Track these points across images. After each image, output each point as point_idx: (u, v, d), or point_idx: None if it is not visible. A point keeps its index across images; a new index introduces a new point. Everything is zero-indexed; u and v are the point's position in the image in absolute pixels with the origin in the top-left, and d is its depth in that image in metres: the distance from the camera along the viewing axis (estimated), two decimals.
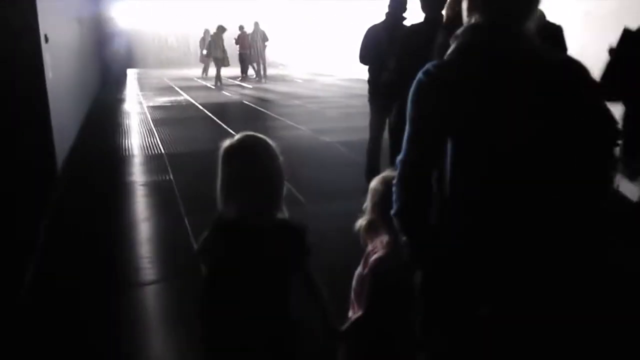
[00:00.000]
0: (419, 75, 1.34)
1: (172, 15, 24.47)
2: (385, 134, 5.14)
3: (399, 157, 1.38)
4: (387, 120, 5.11)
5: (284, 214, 1.72)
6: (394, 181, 1.39)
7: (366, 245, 1.97)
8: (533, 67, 1.28)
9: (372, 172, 5.20)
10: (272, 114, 9.77)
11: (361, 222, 1.96)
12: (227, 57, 16.00)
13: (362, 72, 16.54)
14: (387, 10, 4.91)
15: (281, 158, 1.71)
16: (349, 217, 2.04)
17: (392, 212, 1.39)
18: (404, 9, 4.86)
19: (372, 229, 1.93)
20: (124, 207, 4.73)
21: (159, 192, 5.14)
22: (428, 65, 1.34)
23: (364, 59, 5.12)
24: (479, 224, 1.33)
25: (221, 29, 16.07)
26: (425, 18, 3.67)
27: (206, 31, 18.90)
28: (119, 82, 17.21)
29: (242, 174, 1.61)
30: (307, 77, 18.83)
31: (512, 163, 1.28)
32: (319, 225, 4.23)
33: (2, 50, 4.95)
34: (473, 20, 1.34)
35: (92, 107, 10.58)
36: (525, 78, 1.26)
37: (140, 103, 11.74)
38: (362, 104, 11.39)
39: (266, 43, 17.33)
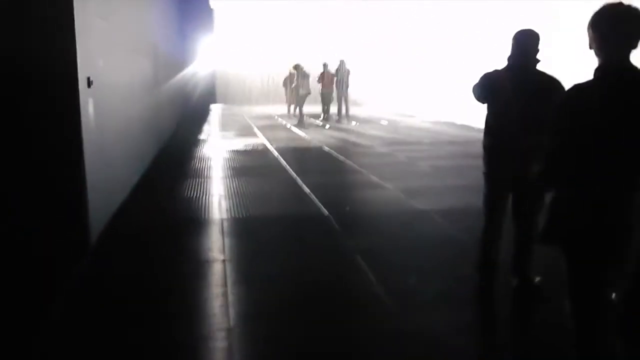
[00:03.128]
0: None
1: (255, 52, 24.31)
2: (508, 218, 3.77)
3: None
4: (511, 199, 3.74)
5: None
6: None
7: None
8: None
9: (487, 267, 3.85)
10: (354, 165, 8.57)
11: None
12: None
13: (451, 115, 15.31)
14: (509, 53, 3.63)
15: None
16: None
17: None
18: (536, 50, 3.55)
19: None
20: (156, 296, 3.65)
21: (204, 277, 4.03)
22: None
23: (481, 98, 3.80)
24: None
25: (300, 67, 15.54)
26: (602, 68, 2.20)
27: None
28: (202, 118, 16.87)
29: None
30: (392, 117, 17.61)
31: None
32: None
33: (28, 100, 4.14)
34: None
35: (163, 149, 9.92)
36: None
37: (215, 146, 11.00)
38: (454, 154, 10.12)
39: (349, 81, 16.41)
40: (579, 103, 2.11)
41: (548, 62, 3.71)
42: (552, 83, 3.46)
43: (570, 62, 9.52)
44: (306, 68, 15.99)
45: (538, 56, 3.57)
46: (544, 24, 9.14)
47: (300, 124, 14.87)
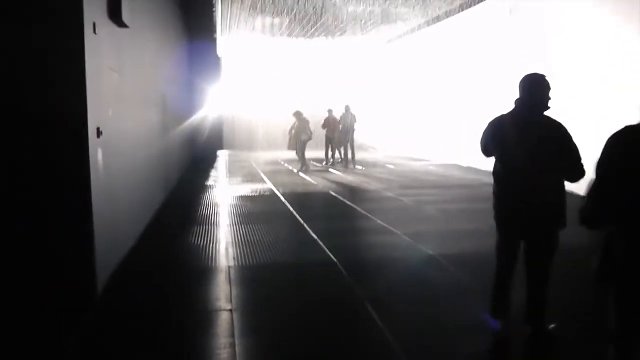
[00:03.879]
0: None
1: (261, 99, 24.71)
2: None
3: None
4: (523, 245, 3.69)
5: None
6: None
7: None
8: None
9: (500, 315, 3.76)
10: (362, 211, 8.54)
11: None
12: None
13: (456, 157, 15.33)
14: (518, 97, 3.62)
15: None
16: None
17: None
18: (547, 98, 3.54)
19: None
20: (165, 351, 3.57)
21: (211, 327, 3.95)
22: None
23: (488, 151, 3.82)
24: None
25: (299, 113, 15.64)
26: None
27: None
28: (209, 164, 16.99)
29: None
30: (399, 161, 17.69)
31: None
32: None
33: (38, 149, 4.19)
34: None
35: (171, 196, 9.96)
36: None
37: (222, 193, 11.03)
38: (462, 198, 10.10)
39: (355, 126, 16.57)
40: (631, 143, 2.13)
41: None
42: (557, 128, 3.46)
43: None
44: (307, 114, 16.13)
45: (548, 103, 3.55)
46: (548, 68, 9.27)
47: (305, 169, 14.95)
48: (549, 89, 3.53)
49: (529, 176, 3.49)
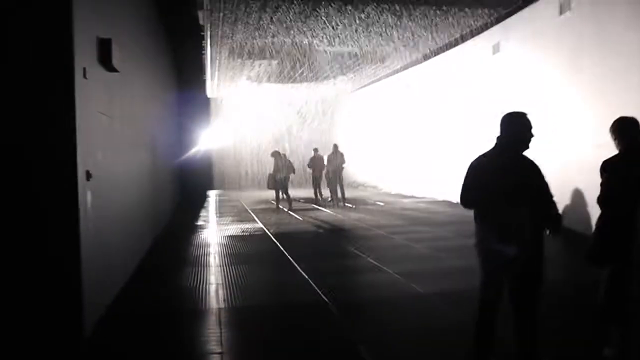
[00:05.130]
0: None
1: (250, 139, 24.86)
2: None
3: None
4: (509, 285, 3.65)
5: None
6: None
7: None
8: None
9: (482, 351, 3.69)
10: (352, 249, 8.52)
11: None
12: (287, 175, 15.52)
13: (446, 193, 15.28)
14: (502, 134, 3.65)
15: None
16: None
17: None
18: (527, 135, 3.59)
19: None
20: None
21: None
22: None
23: (467, 202, 3.72)
24: None
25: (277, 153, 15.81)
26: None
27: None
28: (199, 204, 16.94)
29: None
30: (389, 198, 17.74)
31: None
32: None
33: (27, 193, 4.18)
34: None
35: (160, 236, 9.87)
36: None
37: (212, 233, 10.96)
38: (452, 235, 10.10)
39: (343, 165, 16.66)
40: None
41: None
42: (533, 166, 3.58)
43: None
44: (287, 153, 16.31)
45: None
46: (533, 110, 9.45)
47: (288, 206, 15.02)
48: (530, 126, 3.57)
49: (508, 212, 3.49)
